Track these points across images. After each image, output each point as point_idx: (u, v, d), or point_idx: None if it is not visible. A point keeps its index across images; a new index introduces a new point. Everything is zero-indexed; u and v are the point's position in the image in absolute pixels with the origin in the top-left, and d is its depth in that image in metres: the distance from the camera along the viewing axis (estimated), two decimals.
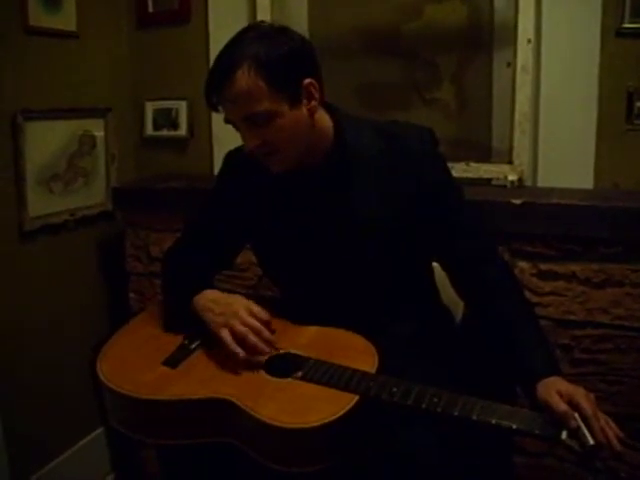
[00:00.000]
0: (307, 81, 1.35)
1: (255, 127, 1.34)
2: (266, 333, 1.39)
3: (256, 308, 1.43)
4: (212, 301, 1.47)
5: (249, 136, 1.35)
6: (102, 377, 1.39)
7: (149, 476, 2.37)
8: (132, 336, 1.56)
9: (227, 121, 1.39)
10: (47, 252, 2.23)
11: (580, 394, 1.17)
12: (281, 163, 1.40)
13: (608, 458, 1.10)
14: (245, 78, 1.30)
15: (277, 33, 1.36)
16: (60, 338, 2.28)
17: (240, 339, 1.37)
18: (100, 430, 2.45)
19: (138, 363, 1.43)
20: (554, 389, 1.19)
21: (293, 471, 1.23)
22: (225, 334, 1.39)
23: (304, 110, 1.36)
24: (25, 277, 2.15)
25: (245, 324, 1.39)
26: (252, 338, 1.37)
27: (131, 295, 2.40)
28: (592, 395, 1.18)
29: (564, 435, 1.14)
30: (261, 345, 1.37)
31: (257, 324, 1.39)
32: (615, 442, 1.11)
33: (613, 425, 1.14)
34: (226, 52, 1.34)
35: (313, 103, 1.38)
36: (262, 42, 1.33)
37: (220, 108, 1.38)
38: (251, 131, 1.34)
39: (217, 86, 1.33)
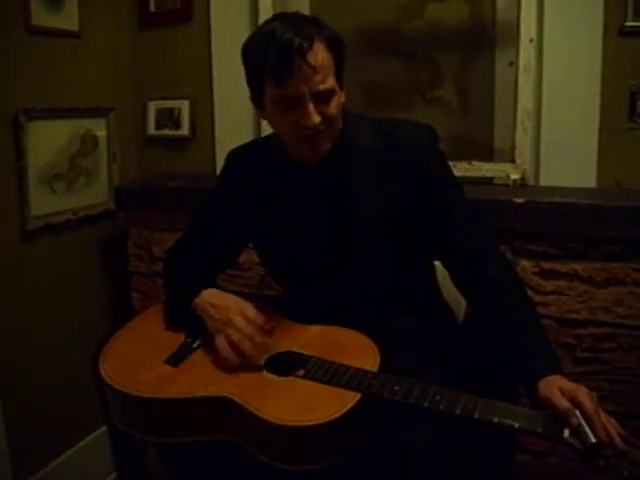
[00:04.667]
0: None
1: (319, 102, 1.33)
2: (259, 338, 1.39)
3: (251, 312, 1.42)
4: (211, 305, 1.46)
5: (315, 111, 1.33)
6: (104, 376, 1.39)
7: (152, 475, 2.37)
8: (134, 335, 1.56)
9: (283, 98, 1.33)
10: (49, 252, 2.22)
11: (582, 392, 1.17)
12: (328, 142, 1.40)
13: (610, 456, 1.10)
14: (322, 51, 1.31)
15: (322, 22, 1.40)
16: (62, 337, 2.28)
17: (234, 346, 1.37)
18: (103, 429, 2.45)
19: (140, 362, 1.43)
20: (556, 386, 1.19)
21: (294, 469, 1.23)
22: (220, 341, 1.39)
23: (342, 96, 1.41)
24: (27, 276, 2.15)
25: (239, 331, 1.38)
26: (245, 345, 1.37)
27: (134, 295, 2.40)
28: (594, 393, 1.18)
29: (566, 433, 1.14)
30: (253, 351, 1.37)
31: (250, 330, 1.39)
32: (617, 440, 1.11)
33: (615, 423, 1.14)
34: (288, 26, 1.30)
35: (344, 92, 1.42)
36: (320, 25, 1.35)
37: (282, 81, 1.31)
38: (316, 106, 1.33)
39: (302, 51, 1.28)
